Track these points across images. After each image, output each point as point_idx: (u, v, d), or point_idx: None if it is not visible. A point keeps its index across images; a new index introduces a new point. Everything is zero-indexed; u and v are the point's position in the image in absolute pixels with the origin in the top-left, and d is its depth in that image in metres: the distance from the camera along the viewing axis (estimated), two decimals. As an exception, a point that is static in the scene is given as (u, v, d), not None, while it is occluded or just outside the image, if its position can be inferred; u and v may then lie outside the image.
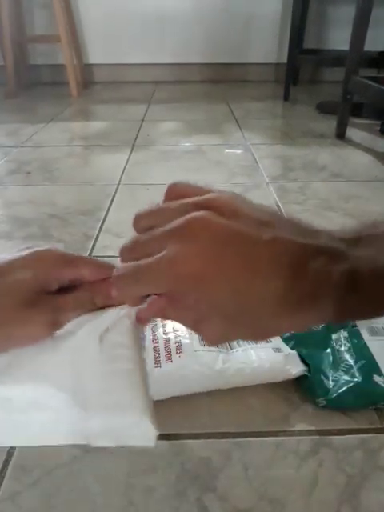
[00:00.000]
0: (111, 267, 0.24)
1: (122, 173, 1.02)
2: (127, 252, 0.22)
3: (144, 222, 0.22)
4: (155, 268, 0.20)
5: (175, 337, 0.44)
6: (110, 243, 0.71)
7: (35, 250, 0.24)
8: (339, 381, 0.41)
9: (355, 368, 0.42)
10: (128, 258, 0.22)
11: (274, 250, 0.19)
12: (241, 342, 0.44)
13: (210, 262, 0.19)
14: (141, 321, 0.25)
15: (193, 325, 0.22)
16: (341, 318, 0.20)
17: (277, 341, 0.45)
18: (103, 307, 0.24)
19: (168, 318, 0.23)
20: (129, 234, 0.23)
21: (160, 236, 0.20)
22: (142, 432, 0.21)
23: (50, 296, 0.23)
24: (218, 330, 0.21)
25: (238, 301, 0.19)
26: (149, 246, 0.21)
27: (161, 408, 0.41)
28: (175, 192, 0.22)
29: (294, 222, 0.21)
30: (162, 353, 0.42)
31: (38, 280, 0.23)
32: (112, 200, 0.88)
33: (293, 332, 0.19)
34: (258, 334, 0.22)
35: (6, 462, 0.37)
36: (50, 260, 0.23)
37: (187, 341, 0.43)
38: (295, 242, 0.19)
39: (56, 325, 0.23)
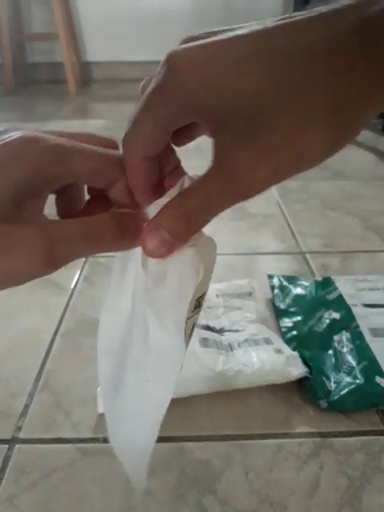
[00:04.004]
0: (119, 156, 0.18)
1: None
2: None
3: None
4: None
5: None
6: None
7: (12, 137, 0.16)
8: (341, 382, 0.41)
9: (357, 369, 0.41)
10: None
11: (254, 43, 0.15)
12: (241, 344, 0.44)
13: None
14: (181, 239, 0.17)
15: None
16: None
17: (278, 342, 0.45)
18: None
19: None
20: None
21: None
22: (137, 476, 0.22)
23: (42, 214, 0.17)
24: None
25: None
26: None
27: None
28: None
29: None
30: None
31: (21, 183, 0.16)
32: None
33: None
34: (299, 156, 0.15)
35: (4, 464, 0.37)
36: (35, 153, 0.16)
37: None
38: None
39: (51, 259, 0.15)
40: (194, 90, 0.15)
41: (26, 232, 0.15)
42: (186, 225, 0.17)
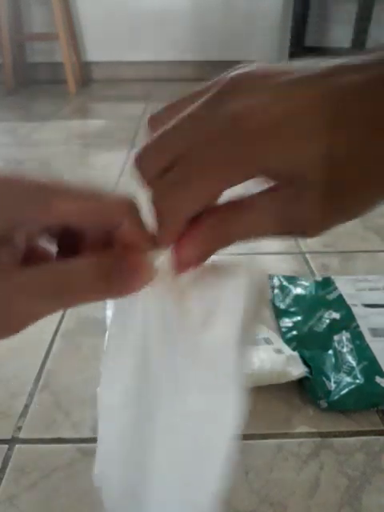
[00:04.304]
0: (113, 201, 0.15)
1: (121, 172, 1.02)
2: (148, 159, 0.16)
3: (164, 120, 0.16)
4: (223, 132, 0.14)
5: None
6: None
7: None
8: (341, 382, 0.41)
9: (357, 369, 0.41)
10: (154, 168, 0.15)
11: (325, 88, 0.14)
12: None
13: (282, 108, 0.14)
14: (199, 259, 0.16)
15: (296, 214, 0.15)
16: None
17: (278, 342, 0.45)
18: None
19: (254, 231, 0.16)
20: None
21: (197, 111, 0.15)
22: None
23: (17, 262, 0.15)
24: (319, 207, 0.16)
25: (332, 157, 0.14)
26: (183, 132, 0.15)
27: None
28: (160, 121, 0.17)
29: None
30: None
31: None
32: (111, 199, 0.87)
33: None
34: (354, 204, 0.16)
35: (4, 464, 0.37)
36: (14, 193, 0.14)
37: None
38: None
39: (11, 317, 0.14)
40: (268, 153, 0.14)
41: None
42: (224, 242, 0.16)
